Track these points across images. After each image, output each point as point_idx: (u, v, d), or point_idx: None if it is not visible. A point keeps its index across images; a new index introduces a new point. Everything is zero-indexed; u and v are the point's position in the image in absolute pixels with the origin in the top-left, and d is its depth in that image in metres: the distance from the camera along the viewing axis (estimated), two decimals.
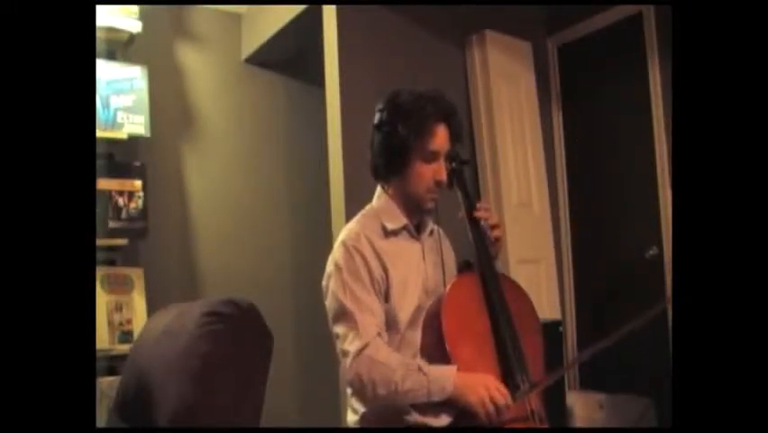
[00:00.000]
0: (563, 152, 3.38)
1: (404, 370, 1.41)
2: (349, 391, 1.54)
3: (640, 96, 2.98)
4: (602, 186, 3.23)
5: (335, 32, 2.69)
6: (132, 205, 2.69)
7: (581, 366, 3.05)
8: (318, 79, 2.90)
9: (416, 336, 1.54)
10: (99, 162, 2.60)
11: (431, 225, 1.68)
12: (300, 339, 3.42)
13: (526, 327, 1.54)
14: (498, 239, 1.61)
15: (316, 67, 2.87)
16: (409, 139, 1.52)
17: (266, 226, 3.49)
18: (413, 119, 1.52)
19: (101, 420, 1.39)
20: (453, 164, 1.59)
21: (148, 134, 2.78)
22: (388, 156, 1.56)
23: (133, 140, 2.80)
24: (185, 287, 3.16)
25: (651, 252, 2.90)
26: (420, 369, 1.42)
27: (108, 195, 2.64)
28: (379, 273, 1.52)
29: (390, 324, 1.52)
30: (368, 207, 1.67)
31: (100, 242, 2.56)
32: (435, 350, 1.47)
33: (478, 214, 1.58)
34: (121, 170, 2.72)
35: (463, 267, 1.69)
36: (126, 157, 2.80)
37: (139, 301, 2.66)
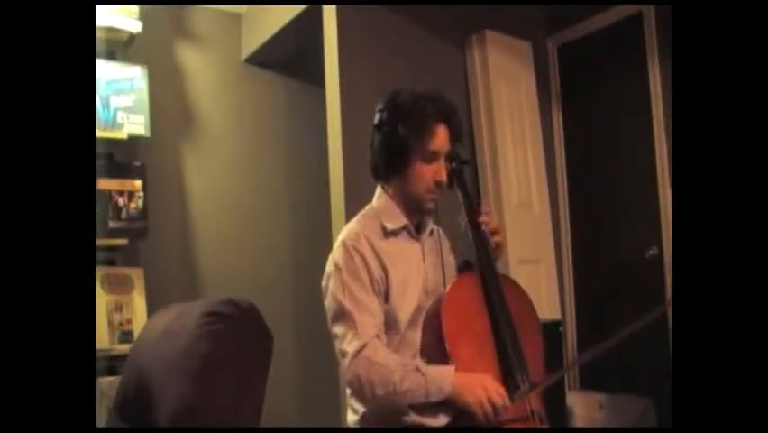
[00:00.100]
0: (563, 152, 3.38)
1: (402, 370, 1.41)
2: (348, 391, 1.54)
3: (640, 96, 2.98)
4: (602, 186, 3.23)
5: (335, 32, 2.69)
6: (132, 205, 2.69)
7: (581, 366, 3.05)
8: (318, 79, 2.90)
9: (416, 337, 1.54)
10: (99, 162, 2.60)
11: (431, 226, 1.68)
12: (300, 339, 3.42)
13: (526, 327, 1.54)
14: (499, 245, 1.61)
15: (316, 67, 2.87)
16: (409, 139, 1.52)
17: (266, 226, 3.49)
18: (413, 119, 1.52)
19: (101, 420, 1.39)
20: (453, 164, 1.59)
21: (148, 134, 2.78)
22: (388, 156, 1.56)
23: (133, 140, 2.80)
24: (185, 287, 3.16)
25: (651, 252, 2.90)
26: (418, 369, 1.42)
27: (108, 195, 2.64)
28: (379, 274, 1.52)
29: (390, 324, 1.52)
30: (368, 207, 1.67)
31: (100, 242, 2.56)
32: (435, 350, 1.47)
33: (480, 219, 1.58)
34: (121, 170, 2.71)
35: (463, 267, 1.69)
36: (126, 157, 2.80)
37: (139, 301, 2.66)
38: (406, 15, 2.91)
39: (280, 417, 3.05)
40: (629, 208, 3.09)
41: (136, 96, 2.75)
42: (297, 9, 2.96)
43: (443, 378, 1.40)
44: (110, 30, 2.68)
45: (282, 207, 3.56)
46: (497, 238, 1.60)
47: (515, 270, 2.87)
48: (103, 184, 2.62)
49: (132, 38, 2.78)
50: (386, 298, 1.52)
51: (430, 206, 1.59)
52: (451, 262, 1.71)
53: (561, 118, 3.39)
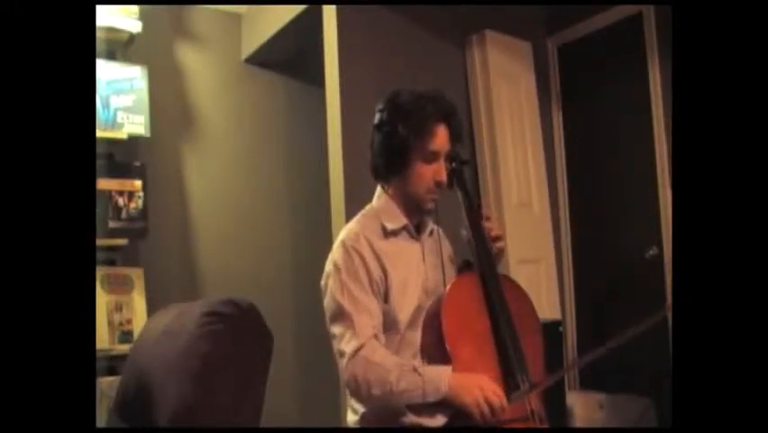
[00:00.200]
0: (563, 152, 3.38)
1: (399, 371, 1.41)
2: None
3: (640, 96, 2.98)
4: (602, 186, 3.23)
5: (335, 32, 2.69)
6: (132, 205, 2.69)
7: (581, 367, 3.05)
8: (318, 79, 2.90)
9: (416, 337, 1.54)
10: (99, 162, 2.60)
11: (431, 226, 1.68)
12: (300, 339, 3.42)
13: (526, 327, 1.54)
14: (500, 250, 1.61)
15: (316, 67, 2.87)
16: (409, 139, 1.52)
17: (266, 226, 3.49)
18: (413, 119, 1.52)
19: (101, 420, 1.39)
20: (453, 164, 1.59)
21: (148, 134, 2.78)
22: (388, 156, 1.56)
23: (133, 140, 2.80)
24: (185, 287, 3.16)
25: (651, 252, 2.89)
26: (415, 369, 1.42)
27: (108, 195, 2.64)
28: (378, 274, 1.52)
29: (390, 324, 1.52)
30: (368, 207, 1.67)
31: (100, 242, 2.56)
32: (435, 350, 1.47)
33: (485, 225, 1.58)
34: (121, 170, 2.71)
35: (463, 267, 1.69)
36: (126, 157, 2.80)
37: (139, 301, 2.66)
38: (406, 15, 2.91)
39: (280, 417, 3.05)
40: (629, 208, 3.09)
41: (136, 96, 2.75)
42: (297, 9, 2.96)
43: (440, 378, 1.40)
44: (110, 30, 2.68)
45: (282, 207, 3.56)
46: (499, 244, 1.60)
47: (515, 270, 2.87)
48: (103, 184, 2.62)
49: (132, 38, 2.78)
50: (385, 298, 1.52)
51: (430, 206, 1.59)
52: (451, 262, 1.71)
53: (561, 118, 3.39)
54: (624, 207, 3.12)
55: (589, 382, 3.08)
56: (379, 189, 1.67)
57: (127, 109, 2.72)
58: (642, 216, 3.00)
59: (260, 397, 1.04)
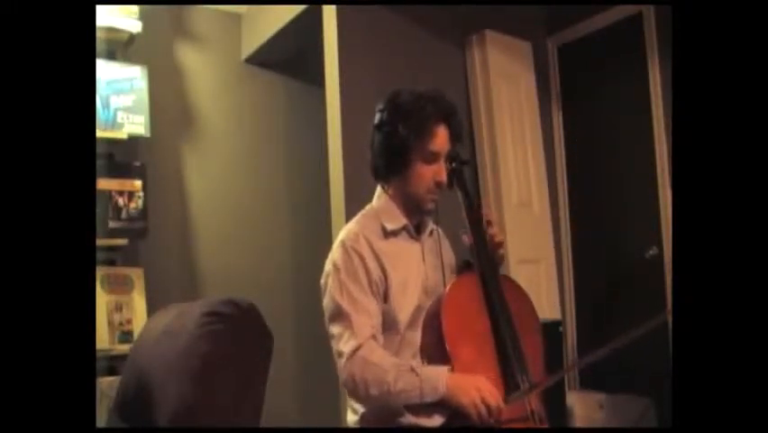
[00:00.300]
0: (563, 152, 3.38)
1: (396, 371, 1.41)
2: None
3: (640, 96, 2.98)
4: (602, 186, 3.23)
5: (335, 32, 2.69)
6: (132, 205, 2.69)
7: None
8: (318, 79, 2.90)
9: (416, 337, 1.54)
10: (99, 162, 2.60)
11: (431, 226, 1.68)
12: (300, 339, 3.42)
13: (526, 327, 1.54)
14: (501, 258, 1.61)
15: (316, 67, 2.87)
16: (409, 139, 1.52)
17: (266, 226, 3.49)
18: (413, 119, 1.52)
19: (101, 420, 1.39)
20: (453, 164, 1.59)
21: (148, 134, 2.78)
22: (388, 156, 1.56)
23: (133, 140, 2.80)
24: (185, 287, 3.16)
25: (651, 252, 2.90)
26: (413, 370, 1.42)
27: (108, 195, 2.64)
28: (378, 274, 1.52)
29: (390, 324, 1.52)
30: (368, 208, 1.67)
31: (100, 242, 2.56)
32: (435, 350, 1.47)
33: (489, 231, 1.57)
34: (121, 170, 2.71)
35: (463, 267, 1.69)
36: (126, 157, 2.80)
37: (139, 301, 2.66)
38: (406, 15, 2.91)
39: (280, 417, 3.05)
40: (629, 208, 3.09)
41: (136, 96, 2.75)
42: (297, 9, 2.96)
43: (438, 378, 1.40)
44: (110, 30, 2.68)
45: (282, 207, 3.56)
46: (501, 251, 1.60)
47: (515, 270, 2.87)
48: (103, 184, 2.62)
49: (132, 38, 2.78)
50: (385, 298, 1.52)
51: (430, 206, 1.59)
52: (451, 262, 1.71)
53: (561, 118, 3.39)
54: (624, 207, 3.12)
55: (589, 382, 3.08)
56: (378, 190, 1.67)
57: (127, 109, 2.72)
58: (642, 216, 3.00)
59: (260, 397, 1.04)
